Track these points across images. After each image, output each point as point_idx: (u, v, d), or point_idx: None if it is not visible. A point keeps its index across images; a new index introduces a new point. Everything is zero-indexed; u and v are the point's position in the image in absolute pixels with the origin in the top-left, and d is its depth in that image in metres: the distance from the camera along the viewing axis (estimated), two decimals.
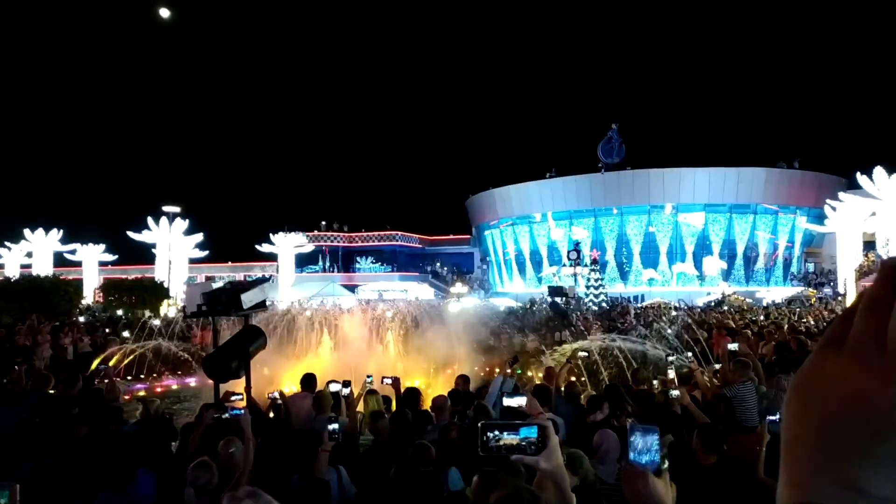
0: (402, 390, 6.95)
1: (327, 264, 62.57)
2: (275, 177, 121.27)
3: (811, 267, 51.51)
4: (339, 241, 62.84)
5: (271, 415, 7.15)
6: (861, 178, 27.69)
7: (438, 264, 64.47)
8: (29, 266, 43.74)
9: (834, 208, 34.68)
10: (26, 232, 44.27)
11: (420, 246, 66.87)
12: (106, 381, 7.72)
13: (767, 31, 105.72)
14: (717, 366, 7.89)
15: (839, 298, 33.50)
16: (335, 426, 4.17)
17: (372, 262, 62.55)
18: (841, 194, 33.79)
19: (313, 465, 4.07)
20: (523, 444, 1.91)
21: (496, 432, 1.93)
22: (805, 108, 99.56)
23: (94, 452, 4.43)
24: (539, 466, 1.95)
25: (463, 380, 7.82)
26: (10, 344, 14.70)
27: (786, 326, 18.50)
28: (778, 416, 4.97)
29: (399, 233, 63.85)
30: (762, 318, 21.21)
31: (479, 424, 1.94)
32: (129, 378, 13.43)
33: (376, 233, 63.24)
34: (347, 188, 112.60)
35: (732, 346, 8.57)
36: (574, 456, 3.90)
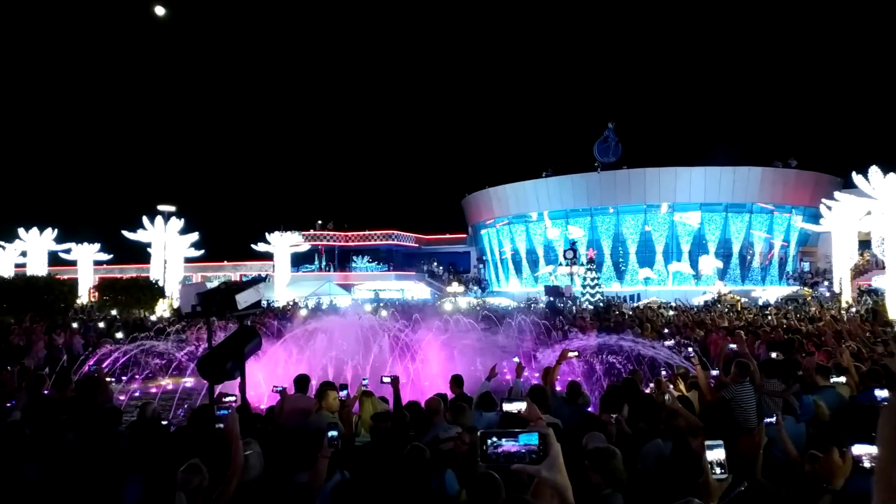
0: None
1: (323, 264, 62.47)
2: (270, 176, 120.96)
3: (806, 266, 51.67)
4: (335, 241, 62.75)
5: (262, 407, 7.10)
6: (857, 178, 27.68)
7: (435, 263, 64.40)
8: (23, 265, 43.56)
9: (829, 207, 34.74)
10: (20, 231, 44.07)
11: (416, 245, 66.78)
12: (100, 382, 7.64)
13: (764, 30, 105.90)
14: (715, 372, 7.87)
15: (835, 297, 33.57)
16: (335, 433, 4.14)
17: (368, 262, 62.46)
18: (836, 193, 33.82)
19: (313, 469, 4.02)
20: (523, 451, 1.88)
21: (495, 439, 1.89)
22: (801, 108, 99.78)
23: (83, 457, 4.40)
24: (541, 476, 1.91)
25: (455, 381, 7.71)
26: (4, 344, 14.62)
27: (780, 321, 18.48)
28: (774, 419, 4.96)
29: (395, 232, 63.77)
30: (770, 317, 21.03)
31: (479, 433, 1.92)
32: (123, 379, 13.37)
33: (372, 232, 63.15)
34: (343, 187, 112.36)
35: (733, 346, 8.57)
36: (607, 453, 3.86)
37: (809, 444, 5.25)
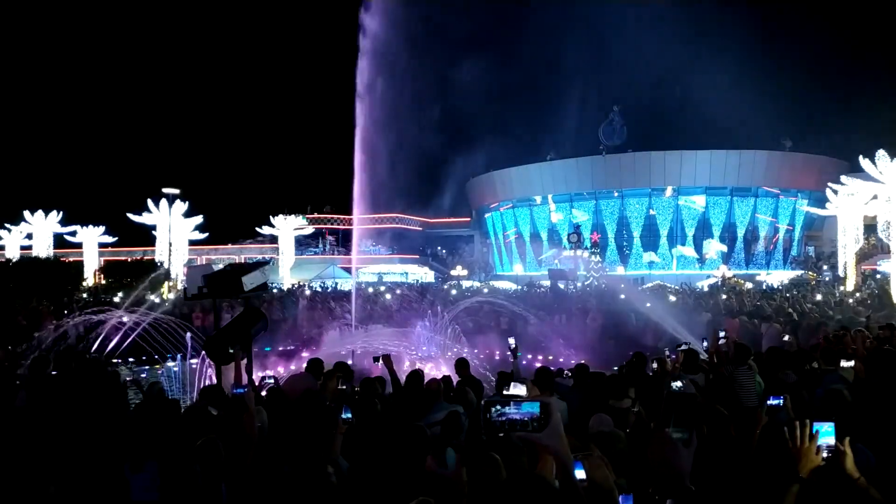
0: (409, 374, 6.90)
1: (327, 247, 62.59)
2: (274, 159, 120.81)
3: (811, 250, 51.50)
4: (339, 224, 62.79)
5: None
6: (863, 162, 27.48)
7: (439, 247, 64.44)
8: (29, 248, 43.73)
9: (835, 192, 34.51)
10: (26, 213, 44.21)
11: (420, 229, 66.80)
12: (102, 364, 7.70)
13: (769, 11, 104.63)
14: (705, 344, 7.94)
15: (839, 281, 33.49)
16: (349, 414, 4.27)
17: (372, 245, 62.53)
18: (843, 177, 33.59)
19: (330, 447, 4.10)
20: (526, 419, 1.93)
21: (498, 408, 1.95)
22: (807, 90, 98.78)
23: (91, 439, 4.44)
24: (542, 443, 1.95)
25: (461, 364, 7.71)
26: (12, 325, 14.75)
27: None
28: (780, 401, 4.96)
29: (399, 215, 63.72)
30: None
31: (483, 402, 1.97)
32: (131, 360, 13.47)
33: (376, 215, 63.15)
34: (347, 170, 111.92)
35: (722, 333, 8.59)
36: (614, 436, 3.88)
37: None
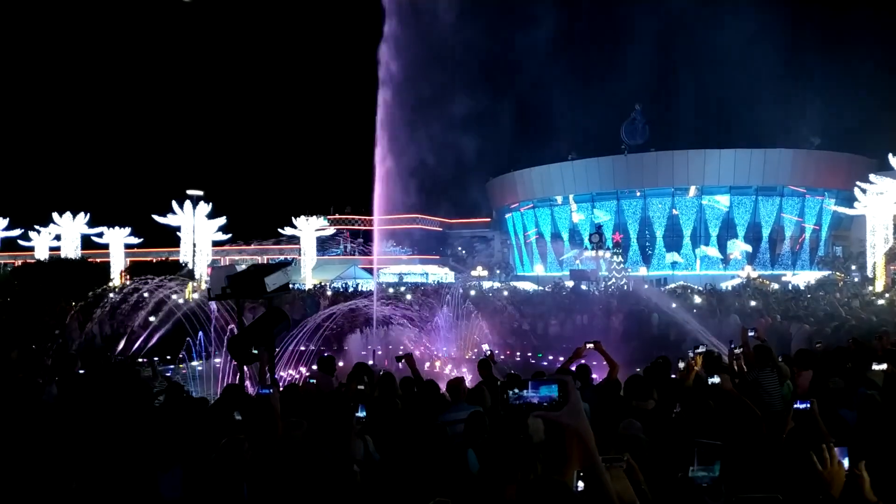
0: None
1: (349, 248, 62.96)
2: (296, 161, 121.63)
3: (839, 250, 50.47)
4: (359, 225, 63.12)
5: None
6: (893, 160, 26.93)
7: (459, 248, 64.42)
8: (57, 249, 44.68)
9: (864, 190, 33.82)
10: (54, 215, 45.16)
11: (440, 229, 66.82)
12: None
13: (795, 9, 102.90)
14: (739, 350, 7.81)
15: (866, 282, 32.78)
16: (363, 414, 4.35)
17: (392, 246, 62.67)
18: (872, 176, 32.91)
19: (348, 442, 4.14)
20: (545, 403, 1.92)
21: (516, 390, 1.94)
22: (835, 87, 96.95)
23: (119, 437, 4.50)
24: (562, 421, 1.91)
25: (483, 365, 7.66)
26: (39, 325, 15.03)
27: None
28: (808, 405, 4.86)
29: (419, 216, 63.80)
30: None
31: (499, 384, 1.98)
32: (156, 360, 13.62)
33: (396, 216, 63.30)
34: (367, 171, 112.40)
35: (752, 334, 8.43)
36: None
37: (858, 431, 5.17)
